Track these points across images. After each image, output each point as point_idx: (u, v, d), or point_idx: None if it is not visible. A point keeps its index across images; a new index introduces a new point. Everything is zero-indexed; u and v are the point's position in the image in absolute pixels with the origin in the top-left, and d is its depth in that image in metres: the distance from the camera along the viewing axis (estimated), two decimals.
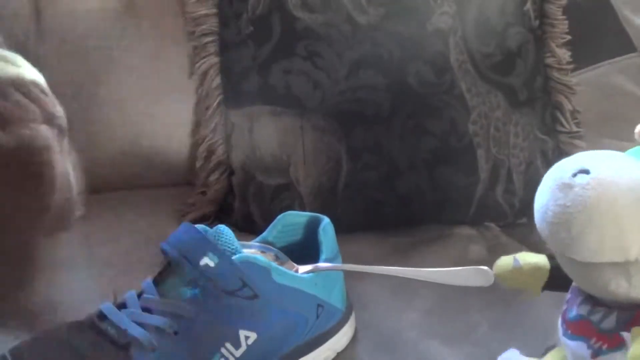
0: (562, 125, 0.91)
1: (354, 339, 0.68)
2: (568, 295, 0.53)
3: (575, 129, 0.90)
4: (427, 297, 0.72)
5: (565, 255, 0.48)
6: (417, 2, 0.84)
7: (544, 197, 0.47)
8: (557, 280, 0.53)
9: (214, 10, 0.89)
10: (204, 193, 0.89)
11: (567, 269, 0.50)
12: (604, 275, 0.47)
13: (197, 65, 0.90)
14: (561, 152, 0.90)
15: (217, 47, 0.89)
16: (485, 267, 0.58)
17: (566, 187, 0.46)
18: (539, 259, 0.56)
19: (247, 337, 0.60)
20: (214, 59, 0.89)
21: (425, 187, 0.84)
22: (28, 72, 0.58)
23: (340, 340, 0.67)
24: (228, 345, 0.60)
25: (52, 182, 0.55)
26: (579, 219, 0.45)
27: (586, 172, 0.46)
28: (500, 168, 0.86)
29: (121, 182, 0.92)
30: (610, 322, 0.48)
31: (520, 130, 0.87)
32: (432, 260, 0.80)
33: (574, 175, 0.46)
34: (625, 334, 0.47)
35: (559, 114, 0.91)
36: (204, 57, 0.89)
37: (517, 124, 0.87)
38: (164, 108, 0.91)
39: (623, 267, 0.46)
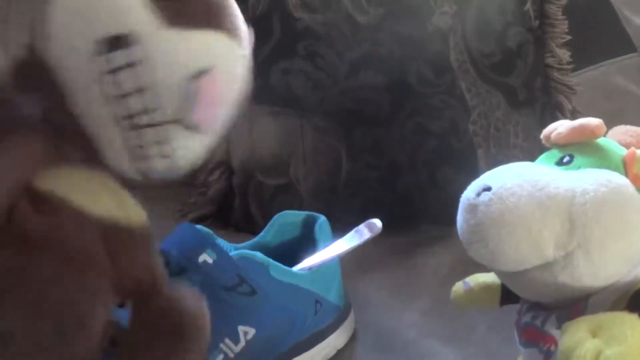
0: None
1: (353, 339, 0.68)
2: (519, 307, 0.54)
3: None
4: (427, 296, 0.72)
5: (493, 269, 0.50)
6: (417, 2, 0.84)
7: (459, 221, 0.50)
8: (510, 294, 0.55)
9: None
10: (204, 193, 0.89)
11: (504, 281, 0.52)
12: (533, 279, 0.48)
13: None
14: None
15: None
16: (374, 219, 0.65)
17: (473, 207, 0.48)
18: (489, 277, 0.58)
19: (245, 333, 0.60)
20: None
21: (426, 187, 0.84)
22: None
23: (339, 337, 0.67)
24: (227, 340, 0.60)
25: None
26: (490, 235, 0.47)
27: (488, 189, 0.48)
28: None
29: (121, 182, 0.92)
30: (551, 323, 0.50)
31: (520, 130, 0.87)
32: (432, 260, 0.80)
33: (478, 194, 0.48)
34: (556, 332, 0.49)
35: (559, 114, 0.91)
36: None
37: (517, 124, 0.87)
38: None
39: (546, 268, 0.48)
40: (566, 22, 0.91)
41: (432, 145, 0.84)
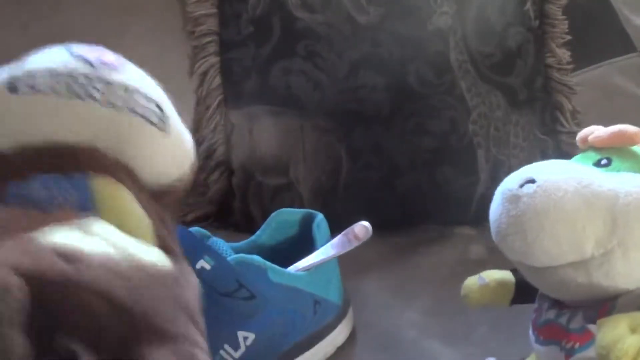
0: (562, 125, 0.91)
1: (353, 338, 0.68)
2: (535, 305, 0.54)
3: (575, 129, 0.90)
4: (427, 296, 0.72)
5: (525, 263, 0.49)
6: (417, 2, 0.84)
7: (496, 212, 0.49)
8: (523, 293, 0.55)
9: (214, 10, 0.89)
10: (204, 193, 0.89)
11: (530, 277, 0.52)
12: (565, 277, 0.48)
13: (197, 65, 0.90)
14: (561, 152, 0.90)
15: (217, 47, 0.89)
16: (364, 222, 0.65)
17: (515, 198, 0.48)
18: (504, 275, 0.58)
19: (245, 338, 0.60)
20: (214, 59, 0.89)
21: (426, 187, 0.84)
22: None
23: (338, 335, 0.67)
24: (227, 347, 0.60)
25: None
26: (532, 227, 0.47)
27: (532, 181, 0.48)
28: (500, 168, 0.86)
29: None
30: (577, 321, 0.50)
31: (520, 130, 0.87)
32: (432, 260, 0.80)
33: (521, 186, 0.48)
34: (591, 326, 0.48)
35: (559, 114, 0.91)
36: (204, 57, 0.89)
37: (517, 124, 0.87)
38: None
39: (581, 266, 0.48)
40: (566, 22, 0.91)
41: (432, 145, 0.84)
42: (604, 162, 0.50)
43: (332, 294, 0.67)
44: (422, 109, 0.84)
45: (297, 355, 0.64)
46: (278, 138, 0.85)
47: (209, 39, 0.89)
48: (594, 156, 0.51)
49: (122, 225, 0.42)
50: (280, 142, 0.85)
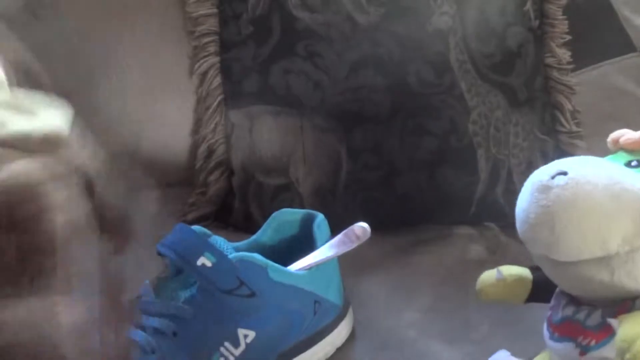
0: (562, 125, 0.90)
1: (353, 337, 0.68)
2: (552, 302, 0.54)
3: (575, 129, 0.90)
4: (427, 295, 0.73)
5: (549, 256, 0.49)
6: (417, 2, 0.84)
7: (525, 201, 0.49)
8: (539, 291, 0.55)
9: (214, 10, 0.89)
10: (204, 193, 0.89)
11: (551, 272, 0.52)
12: (588, 272, 0.48)
13: (197, 65, 0.90)
14: (561, 152, 0.90)
15: (217, 47, 0.89)
16: (362, 223, 0.65)
17: (546, 188, 0.48)
18: (522, 271, 0.58)
19: (245, 336, 0.60)
20: (214, 59, 0.89)
21: (425, 187, 0.84)
22: (45, 124, 0.43)
23: (338, 335, 0.67)
24: (227, 344, 0.60)
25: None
26: (560, 218, 0.47)
27: (564, 173, 0.48)
28: (500, 168, 0.86)
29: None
30: (595, 318, 0.50)
31: (520, 130, 0.87)
32: (432, 260, 0.80)
33: (553, 177, 0.48)
34: (612, 321, 0.49)
35: (559, 114, 0.91)
36: (204, 57, 0.89)
37: (517, 124, 0.87)
38: (164, 108, 0.91)
39: (605, 262, 0.48)
40: (566, 22, 0.91)
41: (431, 145, 0.84)
42: (634, 163, 0.51)
43: (333, 294, 0.67)
44: (422, 109, 0.84)
45: (297, 354, 0.64)
46: (278, 138, 0.85)
47: (209, 39, 0.89)
48: (625, 157, 0.52)
49: None
50: (280, 142, 0.85)
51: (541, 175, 0.49)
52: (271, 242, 0.69)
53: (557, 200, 0.47)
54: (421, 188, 0.84)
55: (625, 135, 0.53)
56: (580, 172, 0.48)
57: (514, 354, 0.59)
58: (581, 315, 0.51)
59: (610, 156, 0.53)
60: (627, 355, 0.44)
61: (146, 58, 0.91)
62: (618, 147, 0.53)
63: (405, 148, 0.84)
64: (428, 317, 0.70)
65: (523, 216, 0.49)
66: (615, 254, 0.47)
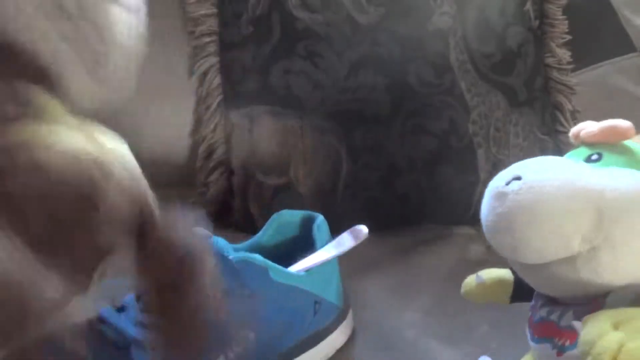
0: (562, 125, 0.91)
1: (353, 338, 0.68)
2: (532, 302, 0.54)
3: None
4: (427, 296, 0.72)
5: (516, 260, 0.50)
6: (417, 2, 0.84)
7: (485, 208, 0.50)
8: (522, 291, 0.55)
9: (214, 11, 0.89)
10: (204, 193, 0.89)
11: (522, 274, 0.52)
12: (555, 273, 0.49)
13: (197, 65, 0.90)
14: (561, 152, 0.89)
15: (217, 47, 0.89)
16: (360, 225, 0.65)
17: (502, 195, 0.48)
18: (502, 273, 0.58)
19: (246, 336, 0.60)
20: (214, 59, 0.89)
21: (425, 187, 0.84)
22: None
23: (338, 337, 0.67)
24: (227, 344, 0.60)
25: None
26: (518, 224, 0.47)
27: (518, 178, 0.48)
28: (500, 168, 0.85)
29: None
30: (568, 318, 0.50)
31: (520, 130, 0.87)
32: (432, 260, 0.80)
33: (507, 183, 0.48)
34: (576, 323, 0.49)
35: (559, 114, 0.91)
36: (204, 57, 0.89)
37: (517, 124, 0.87)
38: (164, 108, 0.91)
39: (570, 261, 0.48)
40: (566, 22, 0.91)
41: (431, 145, 0.84)
42: (594, 157, 0.50)
43: (332, 295, 0.67)
44: (422, 109, 0.84)
45: (298, 355, 0.64)
46: (278, 138, 0.85)
47: (209, 39, 0.89)
48: (585, 152, 0.51)
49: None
50: (280, 142, 0.85)
51: (498, 181, 0.49)
52: (271, 243, 0.69)
53: (513, 206, 0.47)
54: (421, 188, 0.84)
55: (585, 128, 0.52)
56: (533, 175, 0.48)
57: (514, 354, 0.59)
58: (555, 316, 0.51)
59: (571, 151, 0.53)
60: (589, 359, 0.44)
61: (146, 58, 0.91)
62: (579, 142, 0.53)
63: (405, 148, 0.84)
64: (428, 317, 0.70)
65: (485, 223, 0.50)
66: (577, 254, 0.47)
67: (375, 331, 0.69)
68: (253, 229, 0.79)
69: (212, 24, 0.89)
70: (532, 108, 0.89)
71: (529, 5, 0.88)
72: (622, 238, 0.47)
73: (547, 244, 0.47)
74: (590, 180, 0.48)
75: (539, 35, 0.90)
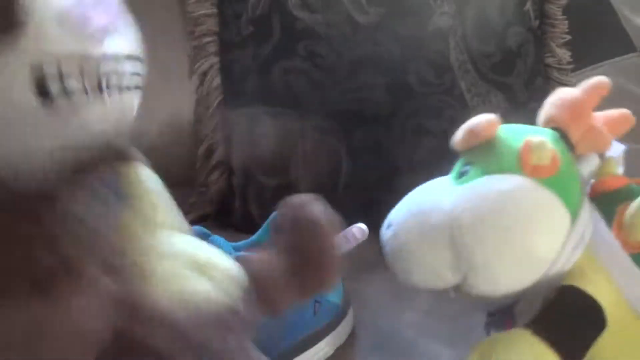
0: None
1: (353, 338, 0.68)
2: None
3: None
4: (427, 296, 0.72)
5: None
6: (417, 2, 0.84)
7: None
8: None
9: (214, 10, 0.89)
10: (204, 193, 0.89)
11: None
12: (461, 294, 0.51)
13: (197, 65, 0.90)
14: None
15: (217, 47, 0.89)
16: (360, 225, 0.66)
17: (383, 244, 0.53)
18: None
19: None
20: (214, 59, 0.89)
21: None
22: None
23: (338, 335, 0.67)
24: None
25: None
26: (397, 266, 0.52)
27: (390, 225, 0.53)
28: None
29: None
30: (490, 328, 0.54)
31: None
32: None
33: (387, 228, 0.53)
34: (494, 333, 0.53)
35: None
36: (204, 57, 0.89)
37: (517, 124, 0.87)
38: (164, 108, 0.91)
39: (458, 288, 0.50)
40: (566, 22, 0.91)
41: (431, 145, 0.84)
42: (464, 170, 0.52)
43: (332, 294, 0.67)
44: (422, 109, 0.84)
45: (297, 355, 0.64)
46: (278, 138, 0.85)
47: (209, 39, 0.89)
48: (460, 164, 0.53)
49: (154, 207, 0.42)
50: (280, 142, 0.85)
51: (382, 228, 0.53)
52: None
53: (389, 252, 0.52)
54: None
55: (457, 134, 0.53)
56: (399, 220, 0.52)
57: None
58: (488, 327, 0.54)
59: (458, 161, 0.54)
60: None
61: (146, 58, 0.91)
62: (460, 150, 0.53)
63: (405, 148, 0.84)
64: (428, 317, 0.70)
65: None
66: (459, 284, 0.49)
67: (375, 331, 0.69)
68: (253, 229, 0.79)
69: (212, 24, 0.89)
70: (532, 108, 0.89)
71: (529, 5, 0.88)
72: (481, 263, 0.48)
73: (426, 279, 0.50)
74: (445, 206, 0.50)
75: (539, 35, 0.90)
